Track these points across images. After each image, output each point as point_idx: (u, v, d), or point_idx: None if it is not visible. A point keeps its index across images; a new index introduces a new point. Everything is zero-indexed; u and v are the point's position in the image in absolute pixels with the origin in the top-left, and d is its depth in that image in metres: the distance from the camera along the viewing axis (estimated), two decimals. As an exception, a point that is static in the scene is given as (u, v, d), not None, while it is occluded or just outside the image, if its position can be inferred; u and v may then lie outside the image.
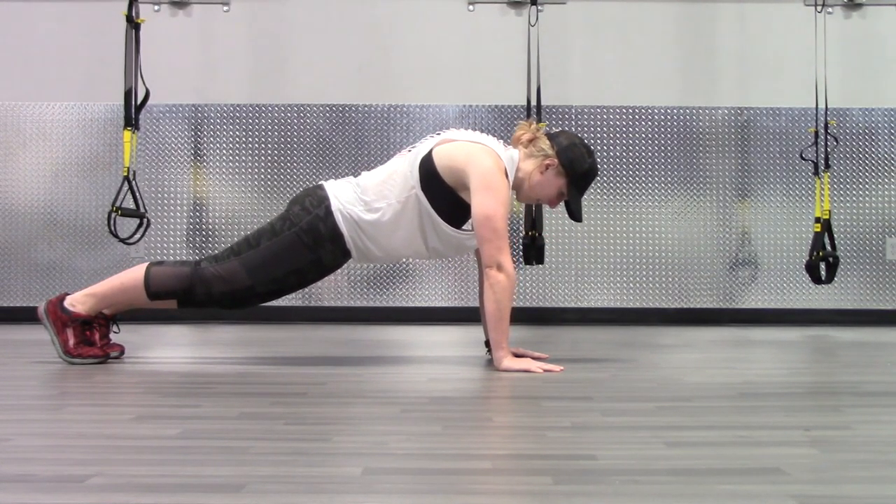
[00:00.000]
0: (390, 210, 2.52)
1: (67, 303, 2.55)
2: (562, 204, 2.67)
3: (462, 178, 2.48)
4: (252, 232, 2.62)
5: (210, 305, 2.59)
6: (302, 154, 4.68)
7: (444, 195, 2.51)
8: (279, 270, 2.54)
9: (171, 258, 4.61)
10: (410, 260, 4.28)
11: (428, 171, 2.50)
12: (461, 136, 2.57)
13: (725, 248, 4.70)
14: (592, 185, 2.71)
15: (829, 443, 1.49)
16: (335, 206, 2.53)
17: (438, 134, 2.62)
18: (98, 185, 4.62)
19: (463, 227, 2.55)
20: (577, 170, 2.58)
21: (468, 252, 2.70)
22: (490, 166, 2.47)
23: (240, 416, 1.71)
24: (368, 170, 2.69)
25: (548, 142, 2.59)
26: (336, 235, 2.53)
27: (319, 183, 2.65)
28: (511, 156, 2.58)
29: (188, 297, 2.55)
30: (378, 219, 2.53)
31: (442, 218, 2.52)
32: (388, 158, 2.72)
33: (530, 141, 2.61)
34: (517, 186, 2.62)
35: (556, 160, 2.57)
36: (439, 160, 2.50)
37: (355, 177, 2.64)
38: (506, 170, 2.52)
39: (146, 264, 2.58)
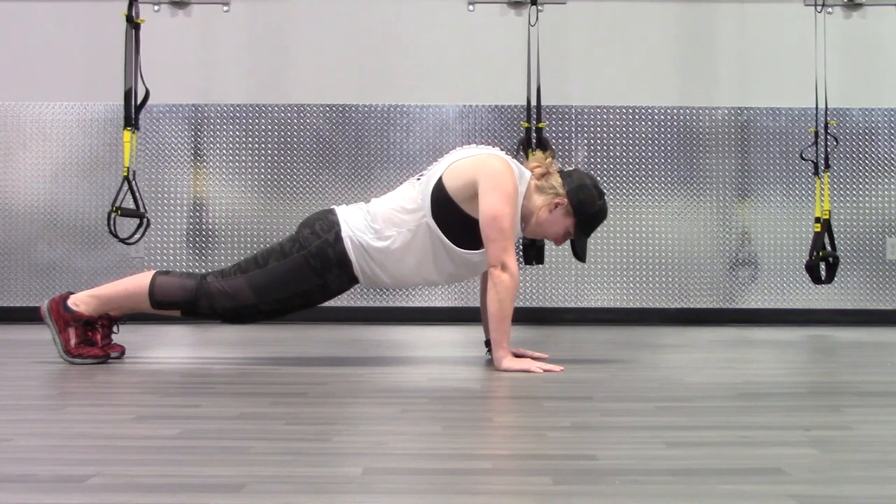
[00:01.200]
0: (400, 238, 2.51)
1: (71, 302, 2.54)
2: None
3: (473, 188, 2.46)
4: (261, 250, 2.62)
5: (213, 318, 2.62)
6: (302, 154, 4.68)
7: (457, 220, 2.49)
8: (284, 291, 2.55)
9: (171, 258, 4.61)
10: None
11: (439, 197, 2.49)
12: (466, 154, 2.56)
13: (725, 248, 4.70)
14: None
15: (829, 443, 1.49)
16: (345, 231, 2.52)
17: (444, 158, 2.59)
18: (98, 185, 4.62)
19: (477, 249, 2.54)
20: (586, 211, 2.55)
21: (484, 270, 2.64)
22: (499, 167, 2.47)
23: (240, 416, 1.71)
24: (377, 196, 2.66)
25: (559, 179, 2.56)
26: (344, 261, 2.53)
27: (331, 207, 2.65)
28: (521, 170, 2.56)
29: (191, 308, 2.56)
30: (388, 246, 2.52)
31: (454, 243, 2.50)
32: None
33: (542, 175, 2.58)
34: (524, 219, 2.59)
35: (565, 200, 2.54)
36: (449, 181, 2.49)
37: (366, 203, 2.63)
38: (514, 171, 2.50)
39: (152, 273, 2.59)
